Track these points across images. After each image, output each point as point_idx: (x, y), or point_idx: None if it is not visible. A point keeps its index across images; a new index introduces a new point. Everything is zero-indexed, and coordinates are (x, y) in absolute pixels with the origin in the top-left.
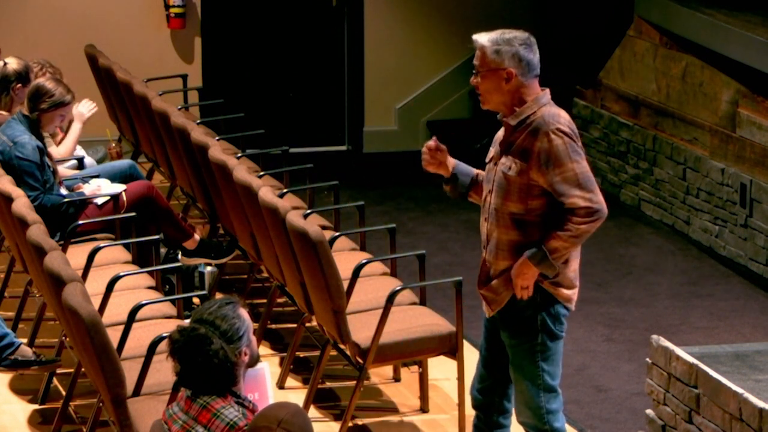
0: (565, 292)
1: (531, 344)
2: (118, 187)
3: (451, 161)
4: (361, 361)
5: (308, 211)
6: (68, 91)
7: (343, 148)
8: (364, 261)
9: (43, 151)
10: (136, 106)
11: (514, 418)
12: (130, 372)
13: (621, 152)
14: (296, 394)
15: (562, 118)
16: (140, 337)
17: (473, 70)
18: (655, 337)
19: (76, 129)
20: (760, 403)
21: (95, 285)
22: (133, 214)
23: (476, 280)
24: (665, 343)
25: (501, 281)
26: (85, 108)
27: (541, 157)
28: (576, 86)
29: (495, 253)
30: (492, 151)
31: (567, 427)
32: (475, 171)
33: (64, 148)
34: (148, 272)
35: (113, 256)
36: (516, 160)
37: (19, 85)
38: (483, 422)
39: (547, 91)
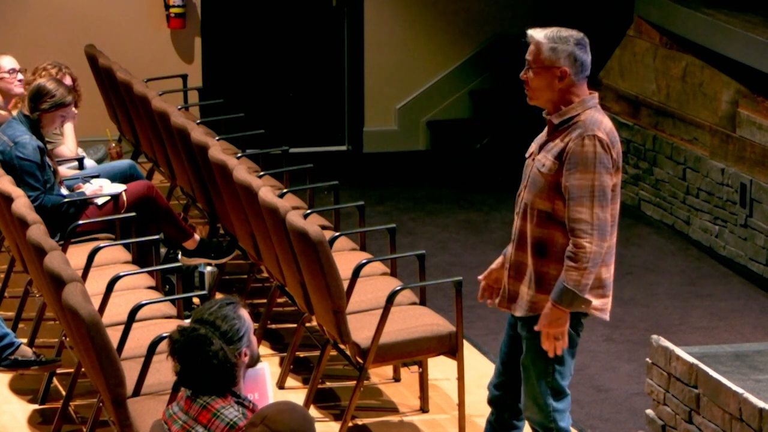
0: (594, 301)
1: None
2: (118, 187)
3: None
4: (361, 361)
5: (308, 211)
6: (69, 92)
7: (343, 148)
8: (364, 261)
9: (43, 151)
10: (136, 106)
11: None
12: (130, 372)
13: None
14: (296, 394)
15: (603, 125)
16: (140, 337)
17: (525, 65)
18: (655, 337)
19: (71, 126)
20: (760, 403)
21: (95, 285)
22: (133, 214)
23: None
24: (665, 343)
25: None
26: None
27: (570, 158)
28: None
29: (522, 247)
30: (533, 147)
31: None
32: None
33: (72, 146)
34: (148, 272)
35: (113, 256)
36: (550, 158)
37: None
38: (496, 419)
39: (596, 95)
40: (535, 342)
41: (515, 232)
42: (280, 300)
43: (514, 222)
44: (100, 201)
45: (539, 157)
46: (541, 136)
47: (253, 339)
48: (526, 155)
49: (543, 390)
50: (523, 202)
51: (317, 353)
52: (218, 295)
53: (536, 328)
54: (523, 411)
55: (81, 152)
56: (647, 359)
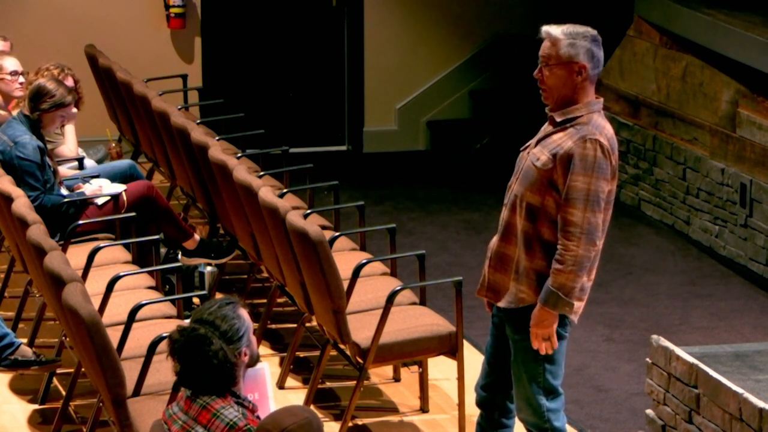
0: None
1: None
2: (118, 187)
3: None
4: (361, 361)
5: (308, 211)
6: (69, 92)
7: (343, 148)
8: (364, 261)
9: (43, 151)
10: (136, 106)
11: (518, 419)
12: (130, 372)
13: (621, 152)
14: (296, 394)
15: (606, 130)
16: (140, 337)
17: (540, 63)
18: (655, 337)
19: (71, 128)
20: (760, 403)
21: (95, 285)
22: (133, 214)
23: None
24: (665, 343)
25: (524, 282)
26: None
27: (570, 159)
28: None
29: (508, 238)
30: (532, 141)
31: (567, 427)
32: None
33: (73, 147)
34: (148, 272)
35: (113, 256)
36: (546, 154)
37: None
38: (485, 420)
39: (601, 100)
40: (524, 343)
41: (502, 223)
42: (280, 300)
43: (502, 212)
44: (100, 201)
45: (535, 151)
46: (541, 131)
47: (253, 339)
48: (522, 147)
49: (535, 391)
50: (513, 193)
51: (317, 353)
52: (218, 295)
53: (531, 322)
54: (516, 413)
55: (81, 152)
56: (647, 359)
